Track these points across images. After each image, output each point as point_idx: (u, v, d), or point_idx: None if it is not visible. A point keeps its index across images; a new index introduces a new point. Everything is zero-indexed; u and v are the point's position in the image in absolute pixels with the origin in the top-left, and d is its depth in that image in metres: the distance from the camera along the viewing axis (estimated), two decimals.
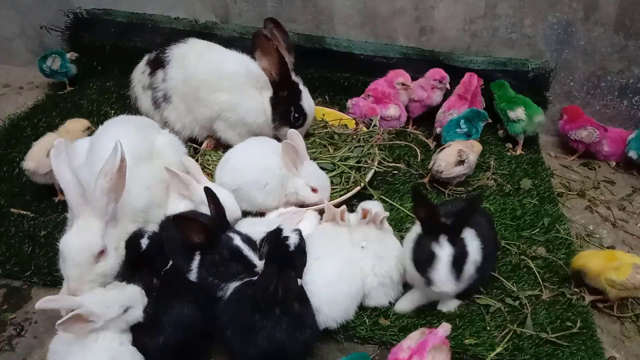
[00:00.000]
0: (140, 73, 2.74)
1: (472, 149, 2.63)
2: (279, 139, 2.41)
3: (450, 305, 1.97)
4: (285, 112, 2.51)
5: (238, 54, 2.59)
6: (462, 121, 2.81)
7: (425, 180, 2.64)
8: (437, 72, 3.00)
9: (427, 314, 1.95)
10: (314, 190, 2.29)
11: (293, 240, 1.84)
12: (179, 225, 1.83)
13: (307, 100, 2.55)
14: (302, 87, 2.57)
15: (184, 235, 1.85)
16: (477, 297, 2.01)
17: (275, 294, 1.68)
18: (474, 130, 2.82)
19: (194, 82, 2.54)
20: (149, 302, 1.68)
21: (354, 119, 2.93)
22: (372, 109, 2.92)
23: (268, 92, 2.51)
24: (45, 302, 1.50)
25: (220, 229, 1.88)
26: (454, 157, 2.52)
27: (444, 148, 2.60)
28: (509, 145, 3.01)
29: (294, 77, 2.56)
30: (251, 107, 2.51)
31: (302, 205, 2.31)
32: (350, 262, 1.92)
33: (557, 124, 3.06)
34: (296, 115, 2.51)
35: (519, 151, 2.95)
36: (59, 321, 1.46)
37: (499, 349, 1.81)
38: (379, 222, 2.03)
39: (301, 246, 1.86)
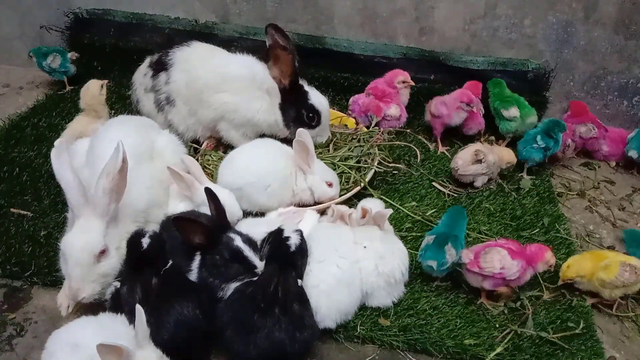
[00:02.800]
0: (142, 75, 2.72)
1: (498, 154, 2.62)
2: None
3: None
4: (297, 115, 2.50)
5: (242, 57, 2.59)
6: (538, 137, 2.63)
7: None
8: (464, 95, 2.84)
9: (427, 314, 1.94)
10: (329, 185, 2.31)
11: (294, 241, 1.84)
12: (179, 226, 1.83)
13: (316, 98, 2.54)
14: (307, 87, 2.56)
15: (184, 236, 1.85)
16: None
17: (275, 294, 1.68)
18: (552, 142, 2.64)
19: (198, 85, 2.53)
20: (149, 302, 1.67)
21: (354, 118, 2.93)
22: (377, 107, 2.89)
23: (277, 99, 2.50)
24: None
25: (220, 230, 1.88)
26: (471, 155, 2.54)
27: (465, 148, 2.63)
28: (492, 138, 2.99)
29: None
30: (260, 107, 2.50)
31: (316, 202, 2.32)
32: (352, 263, 1.91)
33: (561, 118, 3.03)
34: (310, 115, 2.51)
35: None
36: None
37: (499, 349, 1.81)
38: (382, 225, 2.02)
39: (302, 247, 1.86)
